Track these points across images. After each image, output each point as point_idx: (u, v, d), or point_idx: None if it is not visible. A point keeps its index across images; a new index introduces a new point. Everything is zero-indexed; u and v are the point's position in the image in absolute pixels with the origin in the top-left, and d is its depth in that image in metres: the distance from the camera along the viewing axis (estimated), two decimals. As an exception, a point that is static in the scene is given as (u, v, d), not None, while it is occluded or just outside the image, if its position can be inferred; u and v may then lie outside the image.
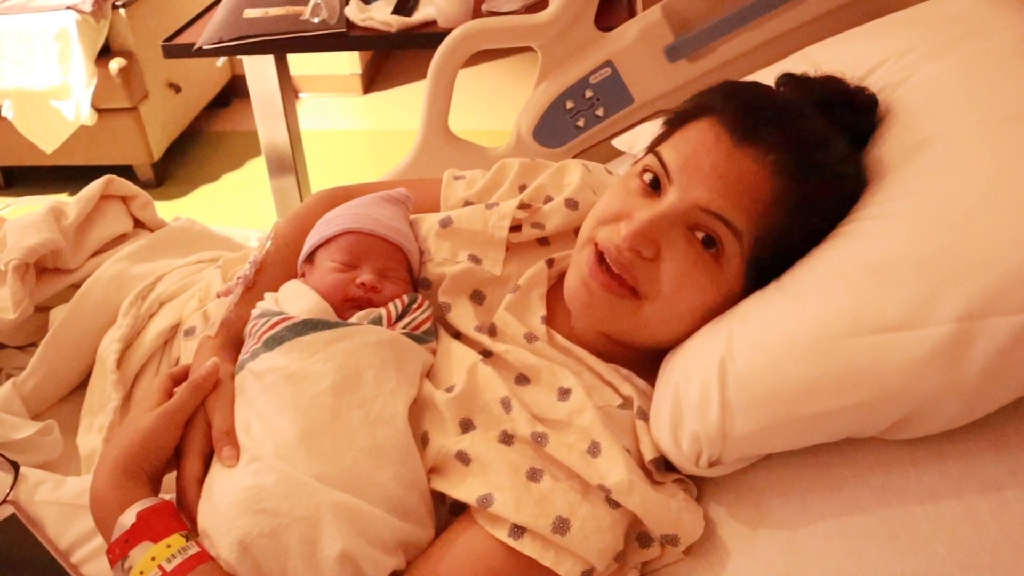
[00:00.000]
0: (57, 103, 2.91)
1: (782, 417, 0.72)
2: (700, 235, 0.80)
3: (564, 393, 0.84)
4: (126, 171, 3.10)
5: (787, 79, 0.94)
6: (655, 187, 0.84)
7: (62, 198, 1.14)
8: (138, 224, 1.22)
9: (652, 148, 0.89)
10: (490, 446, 0.79)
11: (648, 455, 0.80)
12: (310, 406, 0.77)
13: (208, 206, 3.12)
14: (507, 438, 0.81)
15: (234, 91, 3.83)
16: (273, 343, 0.82)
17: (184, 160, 3.41)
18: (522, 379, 0.88)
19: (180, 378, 0.86)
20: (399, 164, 1.55)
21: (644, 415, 0.83)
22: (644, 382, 0.88)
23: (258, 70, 1.85)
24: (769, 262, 0.81)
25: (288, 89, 1.90)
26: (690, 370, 0.78)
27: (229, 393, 0.82)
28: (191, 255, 1.16)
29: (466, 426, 0.82)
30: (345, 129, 3.70)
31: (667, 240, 0.80)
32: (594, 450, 0.78)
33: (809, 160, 0.79)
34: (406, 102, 3.88)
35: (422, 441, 0.81)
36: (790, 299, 0.76)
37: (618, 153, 1.46)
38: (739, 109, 0.82)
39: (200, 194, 3.20)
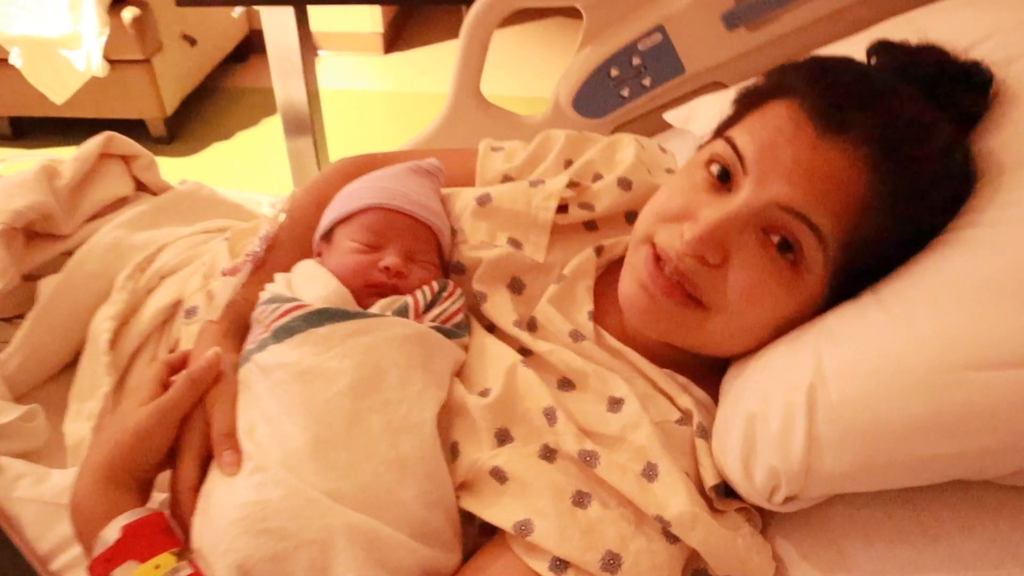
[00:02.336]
0: (67, 52, 2.80)
1: (884, 457, 0.61)
2: (776, 238, 0.68)
3: (615, 403, 0.73)
4: (138, 125, 3.03)
5: (881, 48, 0.81)
6: (724, 179, 0.72)
7: (72, 152, 1.03)
8: (140, 187, 1.11)
9: (720, 132, 0.77)
10: (530, 463, 0.69)
11: (709, 480, 0.70)
12: (324, 410, 0.67)
13: (221, 165, 3.03)
14: (549, 454, 0.70)
15: (251, 46, 3.71)
16: (283, 334, 0.71)
17: (198, 116, 3.31)
18: (566, 384, 0.77)
19: (178, 366, 0.77)
20: (425, 130, 1.43)
21: (705, 433, 0.73)
22: (703, 393, 0.77)
23: (276, 22, 1.72)
24: (859, 272, 0.70)
25: (308, 44, 1.78)
26: (769, 394, 0.66)
27: (232, 388, 0.72)
28: (197, 223, 1.05)
29: (503, 438, 0.71)
30: (364, 90, 3.59)
31: (737, 244, 0.70)
32: (650, 473, 0.68)
33: (909, 153, 0.68)
34: (429, 64, 3.75)
35: (451, 453, 0.71)
36: (895, 318, 0.64)
37: (664, 126, 1.34)
38: (826, 92, 0.70)
39: (213, 152, 3.11)
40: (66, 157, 1.03)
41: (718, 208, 0.70)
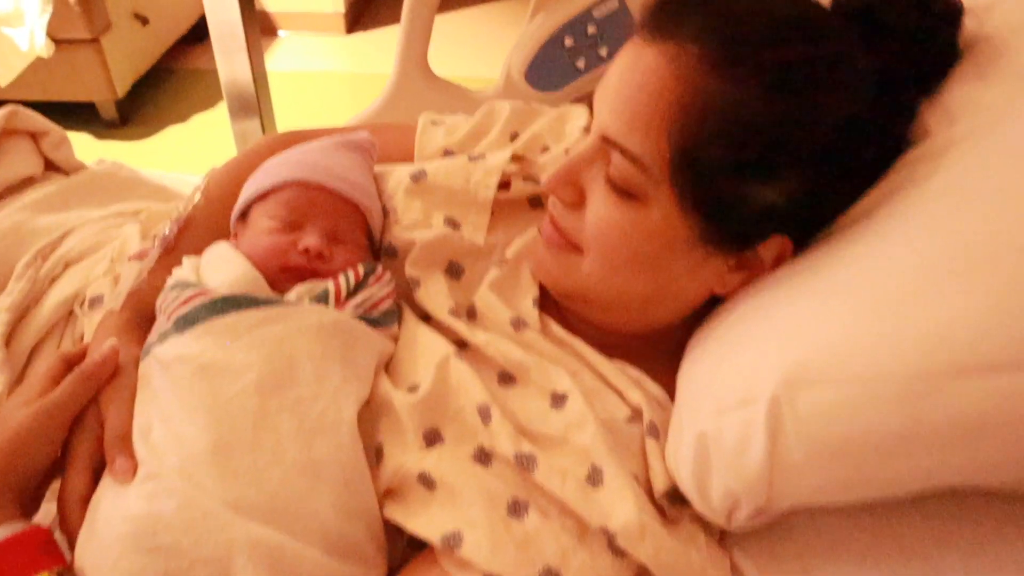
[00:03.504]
0: (9, 31, 2.68)
1: (857, 472, 0.54)
2: (607, 171, 0.66)
3: (559, 399, 0.66)
4: (88, 108, 2.91)
5: None
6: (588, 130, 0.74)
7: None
8: (50, 167, 1.01)
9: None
10: (462, 467, 0.62)
11: (660, 486, 0.63)
12: (227, 408, 0.60)
13: (175, 148, 2.91)
14: (484, 457, 0.63)
15: (207, 27, 3.57)
16: (184, 324, 0.63)
17: (151, 98, 3.18)
18: (506, 379, 0.70)
19: (75, 361, 0.69)
20: (368, 107, 1.35)
21: (655, 432, 0.66)
22: (658, 387, 0.71)
23: (217, -5, 1.63)
24: (736, 194, 0.63)
25: (252, 18, 1.69)
26: (721, 406, 0.59)
27: (130, 386, 0.65)
28: (112, 206, 0.96)
29: (432, 439, 0.64)
30: (326, 71, 3.48)
31: (589, 182, 0.68)
32: (595, 478, 0.61)
33: (766, 53, 0.60)
34: (393, 44, 3.62)
35: (375, 456, 0.64)
36: (861, 313, 0.55)
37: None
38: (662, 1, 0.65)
39: (167, 135, 2.98)
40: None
41: (573, 150, 0.71)
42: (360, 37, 3.75)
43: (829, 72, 0.61)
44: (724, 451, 0.58)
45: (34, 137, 1.00)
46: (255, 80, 1.76)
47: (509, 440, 0.62)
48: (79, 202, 0.95)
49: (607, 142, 0.65)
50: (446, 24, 1.30)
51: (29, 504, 0.62)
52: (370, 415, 0.65)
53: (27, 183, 0.97)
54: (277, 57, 3.51)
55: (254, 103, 1.81)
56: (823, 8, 0.66)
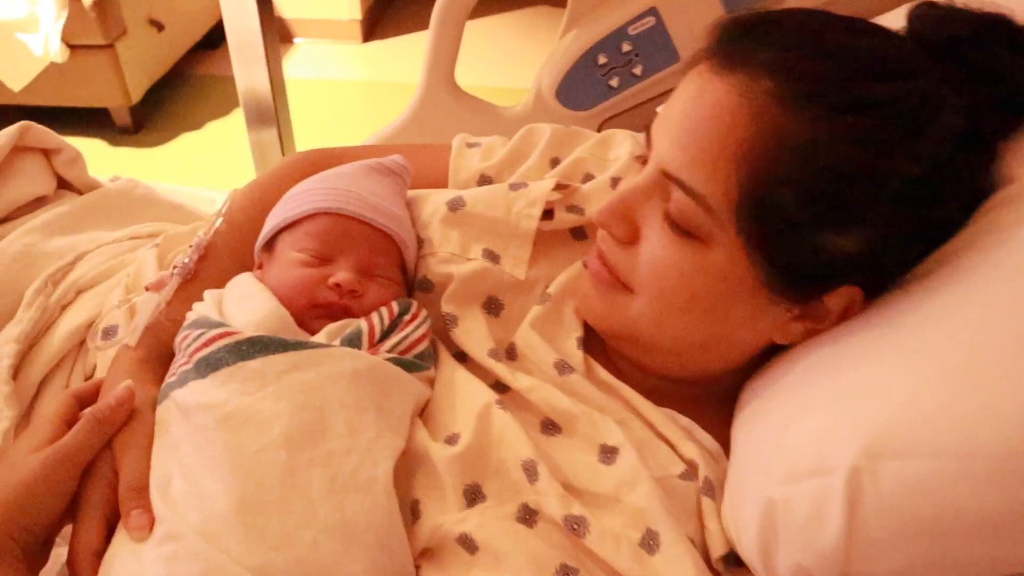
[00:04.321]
0: (23, 36, 2.65)
1: (943, 555, 0.48)
2: (667, 208, 0.61)
3: (608, 453, 0.61)
4: (101, 114, 2.88)
5: (923, 9, 0.67)
6: (642, 159, 0.67)
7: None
8: (63, 185, 0.97)
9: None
10: (505, 528, 0.57)
11: (717, 550, 0.58)
12: (253, 464, 0.55)
13: (189, 155, 2.87)
14: (529, 516, 0.58)
15: (223, 33, 3.54)
16: (207, 367, 0.59)
17: (166, 105, 3.15)
18: (550, 427, 0.65)
19: (87, 399, 0.65)
20: (392, 123, 1.30)
21: (711, 490, 0.61)
22: (710, 438, 0.65)
23: (236, 3, 1.58)
24: (806, 241, 0.57)
25: (271, 26, 1.64)
26: (793, 473, 0.54)
27: (146, 430, 0.60)
28: (127, 227, 0.91)
29: (473, 496, 0.59)
30: (341, 79, 3.44)
31: (644, 218, 0.64)
32: (650, 543, 0.56)
33: (841, 89, 0.56)
34: (409, 53, 3.60)
35: (411, 512, 0.59)
36: (954, 378, 0.50)
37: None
38: (730, 27, 0.62)
39: (181, 143, 2.95)
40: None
41: (628, 183, 0.65)
42: (376, 45, 3.71)
43: (914, 114, 0.56)
44: (795, 522, 0.52)
45: (47, 154, 0.95)
46: (273, 89, 1.72)
47: (558, 501, 0.57)
48: (93, 223, 0.90)
49: (668, 177, 0.60)
50: (473, 31, 1.25)
51: (36, 557, 0.58)
52: (405, 468, 0.60)
53: (39, 203, 0.92)
54: (292, 64, 3.47)
55: (271, 112, 1.77)
56: (908, 43, 0.61)
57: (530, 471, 0.59)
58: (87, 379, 0.78)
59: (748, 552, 0.56)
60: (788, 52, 0.57)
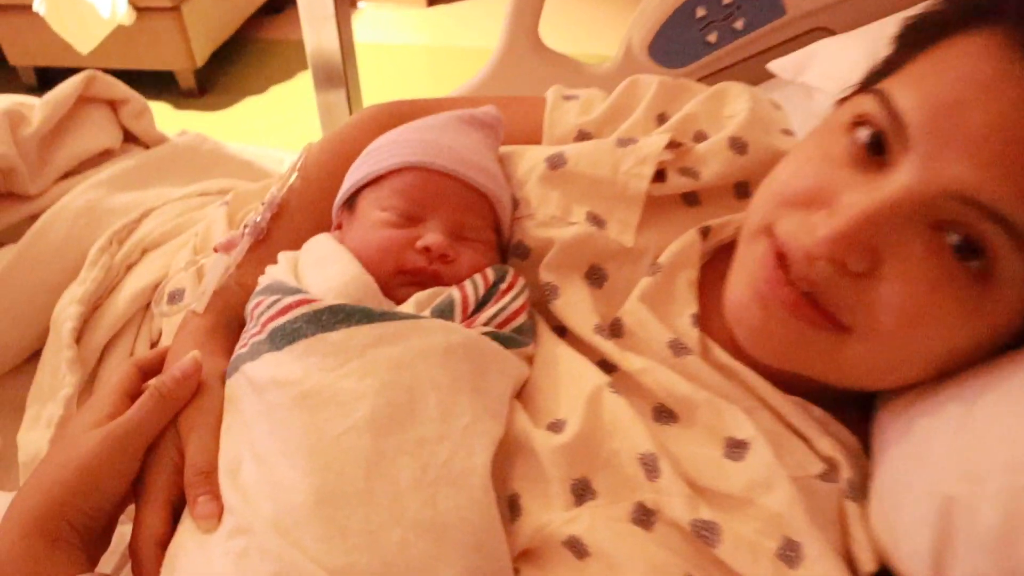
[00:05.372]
0: (91, -1, 2.64)
1: None
2: (954, 239, 0.47)
3: (736, 447, 0.53)
4: (167, 77, 2.89)
5: None
6: (876, 151, 0.51)
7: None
8: (129, 138, 0.91)
9: (869, 83, 0.56)
10: (619, 531, 0.49)
11: (866, 565, 0.49)
12: (335, 450, 0.48)
13: (253, 120, 2.85)
14: (645, 516, 0.50)
15: (289, -4, 3.52)
16: (282, 338, 0.52)
17: (230, 69, 3.14)
18: (664, 415, 0.57)
19: (151, 370, 0.59)
20: (472, 79, 1.22)
21: (856, 492, 0.52)
22: (846, 431, 0.57)
23: (306, -40, 1.52)
24: None
25: (341, -15, 1.57)
26: (978, 470, 0.44)
27: (215, 407, 0.54)
28: (195, 183, 0.86)
29: (581, 492, 0.51)
30: (405, 44, 3.38)
31: (894, 245, 0.49)
32: (790, 555, 0.48)
33: None
34: (474, 18, 3.52)
35: (509, 508, 0.52)
36: None
37: (757, 81, 1.11)
38: None
39: (245, 106, 2.93)
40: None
41: (867, 193, 0.49)
42: (441, 10, 3.64)
43: None
44: (981, 525, 0.44)
45: (113, 106, 0.90)
46: (342, 50, 1.66)
47: (684, 503, 0.49)
48: (159, 179, 0.85)
49: (972, 205, 0.46)
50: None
51: (96, 544, 0.52)
52: (503, 457, 0.53)
53: (104, 156, 0.87)
54: (356, 29, 3.43)
55: (340, 74, 1.72)
56: None
57: (649, 466, 0.51)
58: (153, 344, 0.73)
59: (911, 562, 0.47)
60: None
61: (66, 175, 0.84)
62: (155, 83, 2.88)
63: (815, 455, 0.55)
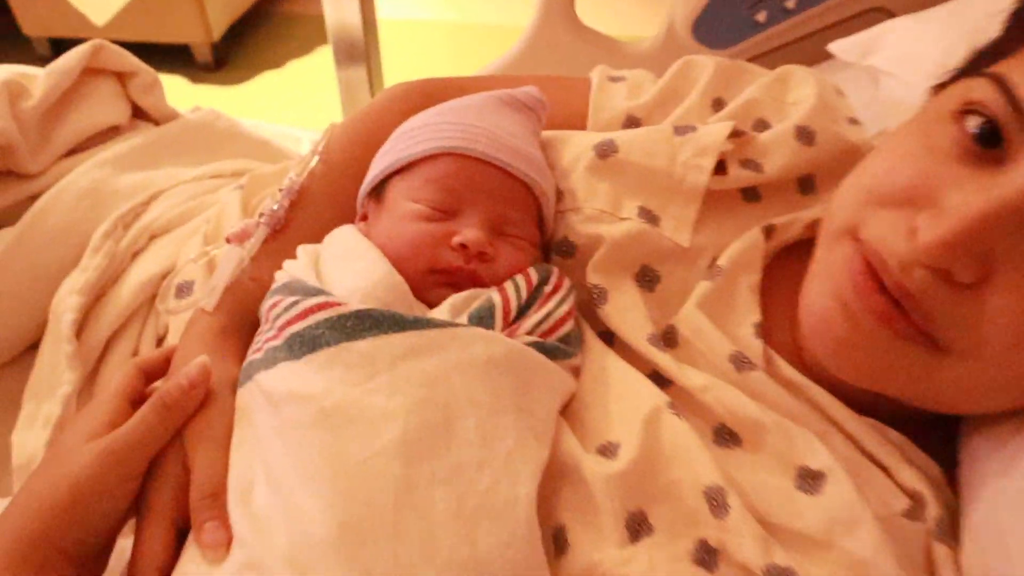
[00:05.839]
0: (107, -32, 2.59)
1: None
2: None
3: (810, 479, 0.47)
4: (183, 51, 2.83)
5: None
6: (989, 143, 0.44)
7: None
8: (138, 114, 0.85)
9: (975, 68, 0.49)
10: (681, 572, 0.43)
11: None
12: (360, 476, 0.42)
13: (271, 95, 2.80)
14: (707, 556, 0.45)
15: (310, -31, 3.45)
16: (302, 346, 0.46)
17: (247, 43, 3.07)
18: (727, 437, 0.51)
19: (156, 372, 0.54)
20: (503, 56, 1.15)
21: (945, 533, 0.46)
22: (927, 458, 0.51)
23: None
24: None
25: (362, -41, 1.51)
26: None
27: (225, 419, 0.49)
28: (209, 164, 0.79)
29: (637, 527, 0.46)
30: (429, 19, 3.30)
31: (1008, 253, 0.43)
32: None
33: None
34: (500, -5, 3.44)
35: (554, 542, 0.46)
36: None
37: (811, 63, 1.04)
38: None
39: (263, 81, 2.88)
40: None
41: (979, 192, 0.43)
42: (467, -15, 3.55)
43: None
44: None
45: (121, 79, 0.84)
46: (364, 25, 1.60)
47: (756, 545, 0.43)
48: (170, 158, 0.79)
49: None
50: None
51: (92, 568, 0.47)
52: (548, 484, 0.47)
53: (111, 132, 0.81)
54: (378, 3, 3.36)
55: (361, 50, 1.66)
56: None
57: (716, 501, 0.45)
58: (160, 341, 0.67)
59: None
60: None
61: (70, 152, 0.77)
62: (171, 56, 2.84)
63: (897, 488, 0.48)
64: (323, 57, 2.99)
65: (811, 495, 0.47)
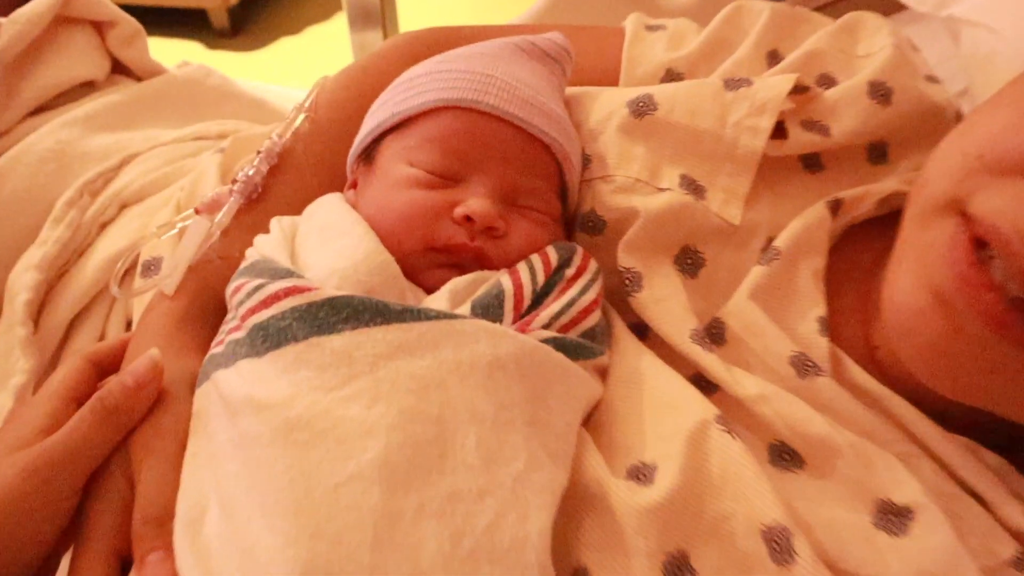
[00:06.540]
0: (121, -72, 2.52)
1: None
2: None
3: (894, 515, 0.38)
4: (199, 15, 2.78)
5: None
6: None
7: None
8: (118, 69, 0.77)
9: None
10: None
11: None
12: (330, 508, 0.34)
13: (288, 61, 2.76)
14: None
15: (328, -69, 3.38)
16: (265, 341, 0.38)
17: (264, 7, 3.04)
18: (785, 456, 0.42)
19: (109, 366, 0.46)
20: (527, 11, 1.05)
21: None
22: None
23: None
24: None
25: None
26: None
27: (178, 425, 0.41)
28: (193, 125, 0.71)
29: (676, 572, 0.37)
30: (449, -15, 3.22)
31: None
32: None
33: None
34: (523, -42, 3.33)
35: None
36: None
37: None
38: None
39: (280, 47, 2.84)
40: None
41: None
42: (488, -52, 3.45)
43: None
44: None
45: (100, 29, 0.75)
46: (379, -14, 1.51)
47: None
48: (150, 118, 0.71)
49: None
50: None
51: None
52: (567, 514, 0.38)
53: (86, 88, 0.73)
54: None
55: (377, 13, 1.60)
56: None
57: (778, 544, 0.36)
58: (130, 324, 0.59)
59: None
60: None
61: (38, 110, 0.70)
62: (187, 21, 2.80)
63: (1001, 528, 0.39)
64: (341, 23, 2.92)
65: (895, 536, 0.38)
